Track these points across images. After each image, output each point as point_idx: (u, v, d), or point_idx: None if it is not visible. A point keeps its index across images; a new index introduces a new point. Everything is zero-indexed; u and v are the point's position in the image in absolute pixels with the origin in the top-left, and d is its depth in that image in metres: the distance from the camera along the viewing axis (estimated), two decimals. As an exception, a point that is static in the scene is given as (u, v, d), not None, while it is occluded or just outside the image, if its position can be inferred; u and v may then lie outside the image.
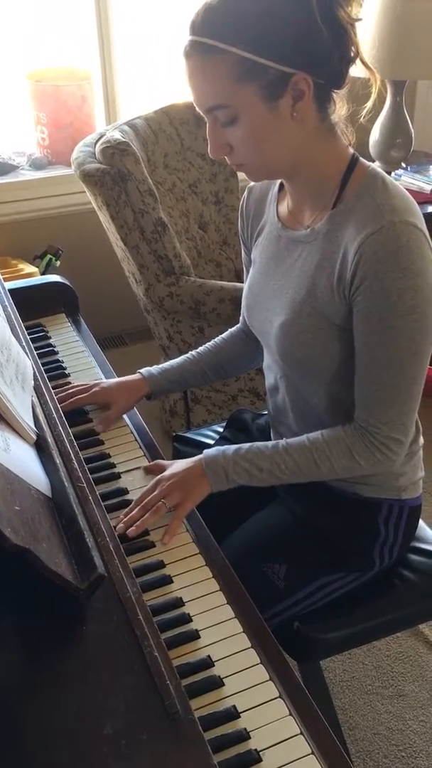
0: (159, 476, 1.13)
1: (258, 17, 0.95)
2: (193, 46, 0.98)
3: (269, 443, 1.16)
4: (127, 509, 1.09)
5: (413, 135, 2.62)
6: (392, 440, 1.10)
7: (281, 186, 1.21)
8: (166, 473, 1.14)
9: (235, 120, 1.00)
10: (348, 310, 1.06)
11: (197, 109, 1.04)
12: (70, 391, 1.32)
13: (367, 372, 1.07)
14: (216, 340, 1.46)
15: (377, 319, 1.02)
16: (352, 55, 1.01)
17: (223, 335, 1.45)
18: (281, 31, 0.95)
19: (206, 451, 1.16)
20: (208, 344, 1.45)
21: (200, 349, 1.44)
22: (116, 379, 1.36)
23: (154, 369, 1.39)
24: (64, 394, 1.32)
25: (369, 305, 1.02)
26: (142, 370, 1.38)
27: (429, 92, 3.26)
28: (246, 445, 1.16)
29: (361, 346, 1.06)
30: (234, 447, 1.16)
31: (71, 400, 1.30)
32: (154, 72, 2.92)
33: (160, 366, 1.40)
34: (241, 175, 2.52)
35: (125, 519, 1.07)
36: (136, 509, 1.08)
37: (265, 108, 0.99)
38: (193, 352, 1.44)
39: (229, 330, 1.44)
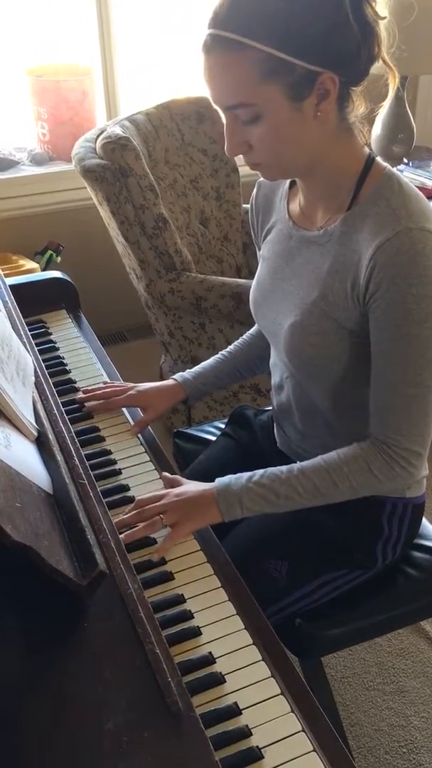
0: (169, 489, 1.11)
1: (286, 12, 0.91)
2: (216, 40, 0.93)
3: (283, 468, 1.11)
4: (128, 510, 1.08)
5: (415, 130, 2.61)
6: (411, 453, 1.07)
7: (292, 183, 1.19)
8: (176, 489, 1.10)
9: (257, 119, 0.96)
10: (361, 315, 1.05)
11: (215, 105, 1.00)
12: (107, 391, 1.31)
13: (384, 380, 1.05)
14: (244, 336, 1.45)
15: (393, 326, 1.00)
16: (376, 53, 0.98)
17: (251, 331, 1.45)
18: (310, 27, 0.91)
19: (219, 479, 1.11)
20: (237, 342, 1.44)
21: (230, 348, 1.44)
22: (152, 384, 1.35)
23: (187, 374, 1.38)
24: (100, 392, 1.31)
25: (385, 313, 1.00)
26: (176, 376, 1.38)
27: (431, 87, 3.25)
28: (259, 472, 1.11)
29: (377, 353, 1.04)
30: (247, 474, 1.11)
31: (107, 401, 1.29)
32: (154, 67, 2.92)
33: (193, 370, 1.39)
34: (242, 171, 2.51)
35: (117, 521, 1.04)
36: (132, 513, 1.06)
37: (289, 107, 0.96)
38: (224, 352, 1.43)
39: (255, 325, 1.43)
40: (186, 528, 1.05)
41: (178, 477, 1.15)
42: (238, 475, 1.11)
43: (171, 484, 1.14)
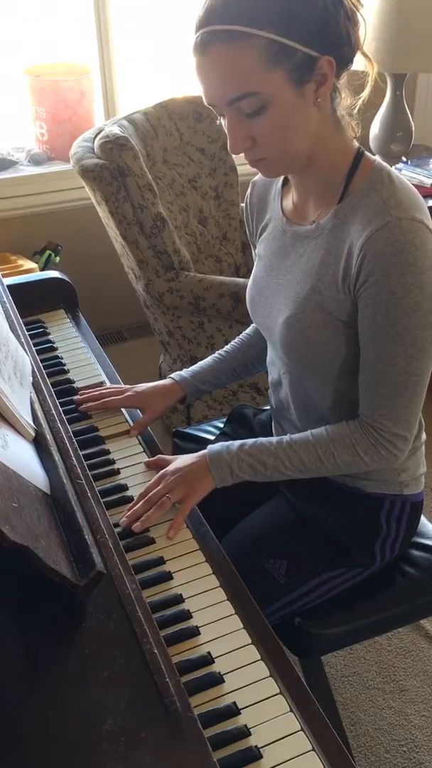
0: (163, 471, 1.13)
1: None
2: (215, 35, 0.93)
3: (273, 438, 1.16)
4: (131, 504, 1.09)
5: (413, 128, 2.60)
6: (397, 437, 1.10)
7: (285, 181, 1.20)
8: (170, 468, 1.13)
9: (264, 108, 0.97)
10: (353, 306, 1.06)
11: (214, 103, 0.99)
12: (103, 392, 1.32)
13: (372, 369, 1.07)
14: (241, 336, 1.45)
15: (383, 316, 1.01)
16: (361, 40, 1.00)
17: (248, 330, 1.45)
18: (307, 11, 0.93)
19: (210, 447, 1.16)
20: (234, 341, 1.45)
21: (227, 347, 1.44)
22: (150, 384, 1.35)
23: (185, 372, 1.38)
24: (97, 393, 1.31)
25: (374, 302, 1.01)
26: (173, 375, 1.38)
27: (429, 85, 3.24)
28: (250, 441, 1.15)
29: (366, 342, 1.06)
30: (238, 442, 1.15)
31: (103, 401, 1.29)
32: (153, 67, 2.91)
33: (191, 369, 1.39)
34: (241, 170, 2.51)
35: (129, 513, 1.07)
36: (140, 503, 1.08)
37: (293, 93, 0.97)
38: (221, 351, 1.44)
39: (252, 325, 1.44)
40: (193, 499, 1.10)
41: (160, 456, 1.18)
42: (230, 442, 1.16)
43: (158, 465, 1.16)
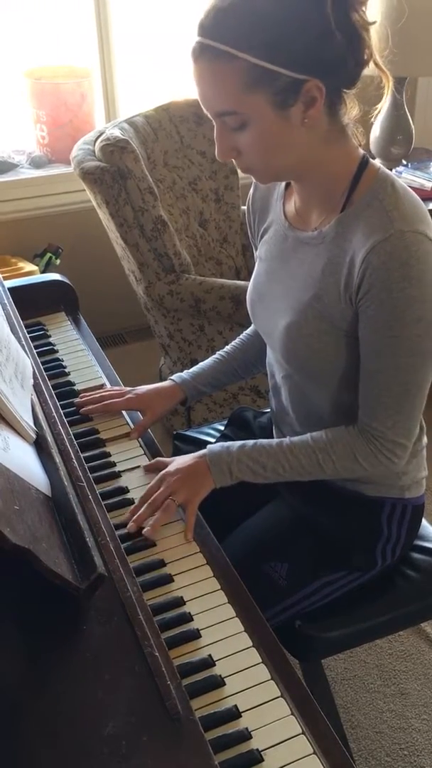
0: (163, 472, 1.13)
1: (271, 22, 0.91)
2: (203, 49, 0.94)
3: (273, 441, 1.16)
4: (132, 507, 1.09)
5: (414, 132, 2.61)
6: (396, 444, 1.10)
7: (288, 183, 1.19)
8: (171, 469, 1.13)
9: (244, 126, 0.98)
10: (354, 316, 1.05)
11: (205, 109, 1.01)
12: (104, 394, 1.32)
13: (373, 378, 1.07)
14: (242, 336, 1.45)
15: (385, 327, 1.01)
16: (366, 58, 0.99)
17: (248, 330, 1.45)
18: (294, 37, 0.92)
19: (210, 447, 1.16)
20: (235, 342, 1.45)
21: (228, 347, 1.44)
22: (150, 386, 1.35)
23: (185, 374, 1.38)
24: (97, 396, 1.31)
25: (376, 314, 1.01)
26: (173, 377, 1.38)
27: (429, 89, 3.25)
28: (250, 442, 1.16)
29: (368, 352, 1.06)
30: (238, 443, 1.16)
31: (104, 403, 1.29)
32: (153, 69, 2.92)
33: (191, 370, 1.39)
34: (241, 173, 2.51)
35: (134, 517, 1.06)
36: (144, 507, 1.08)
37: (275, 116, 0.96)
38: (222, 352, 1.44)
39: (253, 325, 1.44)
40: (197, 500, 1.10)
41: (158, 459, 1.18)
42: (230, 443, 1.16)
43: (156, 468, 1.16)
